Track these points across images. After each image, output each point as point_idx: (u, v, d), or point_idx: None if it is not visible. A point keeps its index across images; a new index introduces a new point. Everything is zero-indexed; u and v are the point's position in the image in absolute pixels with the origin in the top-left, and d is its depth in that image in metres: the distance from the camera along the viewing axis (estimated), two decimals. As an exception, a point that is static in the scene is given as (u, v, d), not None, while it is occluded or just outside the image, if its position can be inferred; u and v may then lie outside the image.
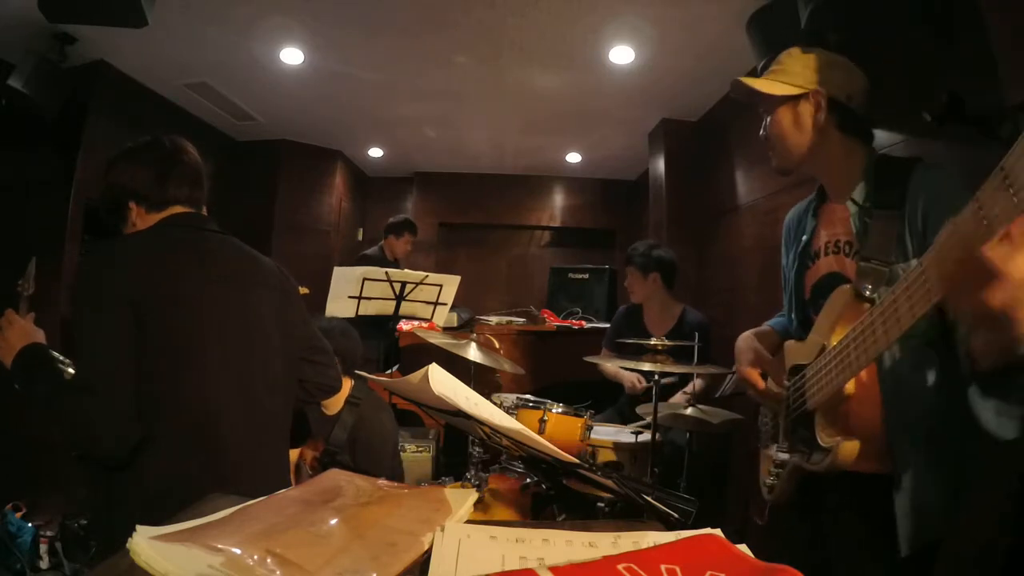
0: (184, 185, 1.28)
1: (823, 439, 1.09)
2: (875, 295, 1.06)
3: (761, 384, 1.29)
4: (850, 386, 1.06)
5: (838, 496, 1.15)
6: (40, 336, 1.17)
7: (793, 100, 1.23)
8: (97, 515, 1.21)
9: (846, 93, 1.20)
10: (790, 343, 1.30)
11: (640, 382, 2.70)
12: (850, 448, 1.06)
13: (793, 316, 1.34)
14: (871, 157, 1.23)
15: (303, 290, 2.45)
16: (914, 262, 0.99)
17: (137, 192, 1.24)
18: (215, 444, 1.14)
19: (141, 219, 1.26)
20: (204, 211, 1.34)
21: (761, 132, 1.30)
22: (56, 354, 1.18)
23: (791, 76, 1.24)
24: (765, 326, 1.47)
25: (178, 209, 1.27)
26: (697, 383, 2.61)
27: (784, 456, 1.23)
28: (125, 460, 1.08)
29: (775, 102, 1.25)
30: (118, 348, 1.08)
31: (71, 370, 1.17)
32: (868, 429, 1.09)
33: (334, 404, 1.90)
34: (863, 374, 1.10)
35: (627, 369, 2.73)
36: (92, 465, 1.12)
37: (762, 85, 1.26)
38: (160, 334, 1.11)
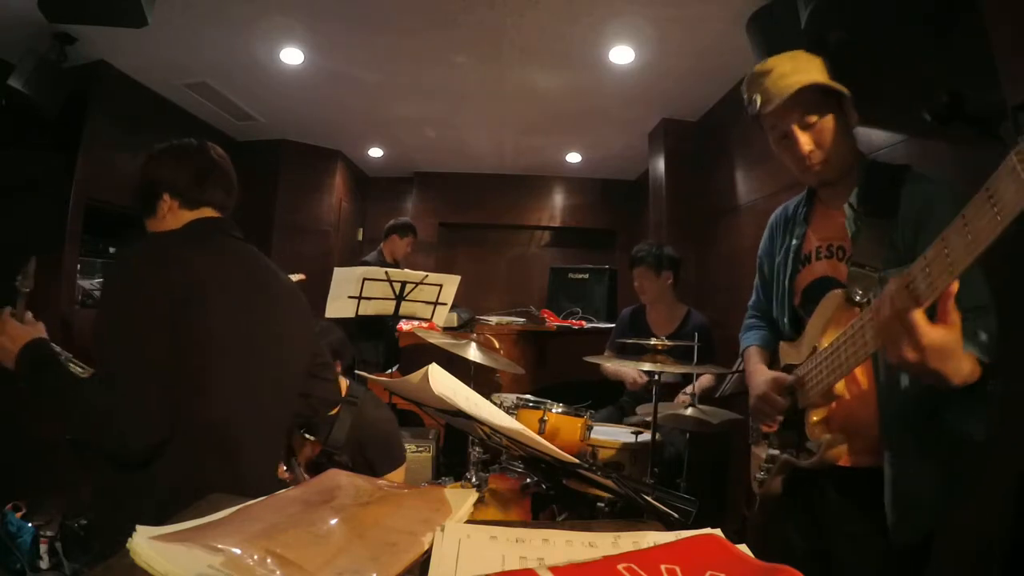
0: (220, 189, 1.30)
1: (812, 437, 1.11)
2: (865, 300, 1.07)
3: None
4: (840, 386, 1.08)
5: (834, 490, 1.17)
6: (40, 330, 1.16)
7: (842, 102, 1.17)
8: (104, 515, 1.21)
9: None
10: (784, 344, 1.31)
11: (641, 377, 2.70)
12: (838, 447, 1.09)
13: (785, 319, 1.33)
14: (864, 161, 1.23)
15: (299, 276, 2.46)
16: (896, 271, 1.03)
17: (176, 186, 1.25)
18: (227, 450, 1.14)
19: (172, 214, 1.26)
20: None
21: (800, 148, 1.17)
22: (58, 348, 1.17)
23: (827, 78, 1.16)
24: (754, 349, 1.42)
25: (208, 212, 1.28)
26: (699, 382, 2.61)
27: (775, 452, 1.24)
28: (144, 459, 1.08)
29: (828, 106, 1.16)
30: (152, 345, 1.07)
31: (76, 367, 1.16)
32: (860, 426, 1.11)
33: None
34: (858, 373, 1.12)
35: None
36: (102, 465, 1.12)
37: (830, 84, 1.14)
38: (186, 336, 1.11)
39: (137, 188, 1.28)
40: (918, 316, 0.80)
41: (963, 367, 0.87)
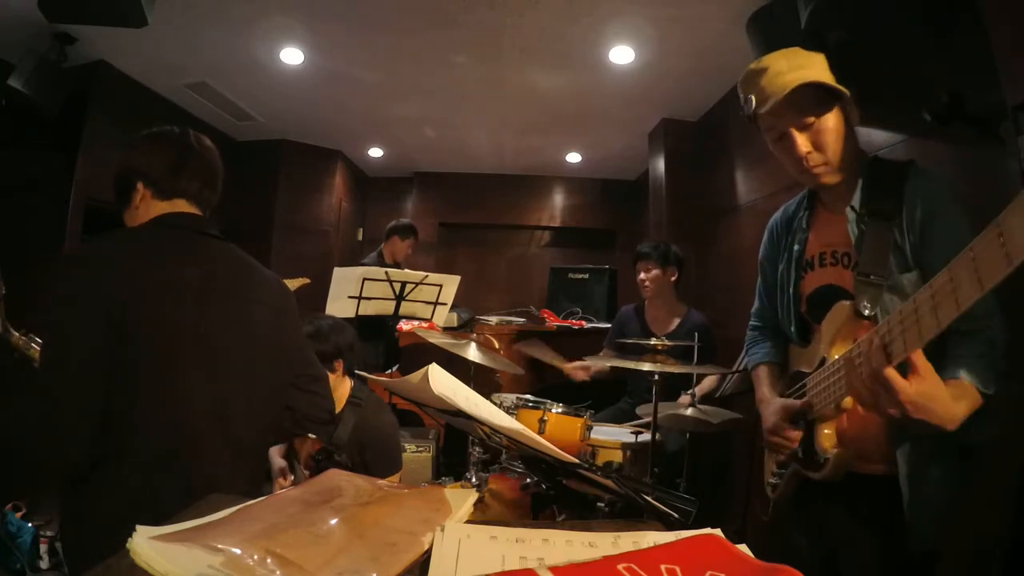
0: (196, 180, 1.22)
1: (821, 448, 1.10)
2: (873, 312, 1.05)
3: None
4: (848, 401, 1.05)
5: (842, 495, 1.15)
6: None
7: (842, 101, 1.13)
8: (65, 529, 1.13)
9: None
10: (794, 349, 1.29)
11: (584, 371, 2.92)
12: (845, 460, 1.07)
13: (792, 327, 1.30)
14: (865, 159, 1.19)
15: (302, 281, 2.43)
16: (902, 278, 1.05)
17: (149, 174, 1.18)
18: (188, 466, 1.06)
19: (145, 204, 1.19)
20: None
21: (798, 150, 1.13)
22: (27, 338, 1.14)
23: (827, 76, 1.11)
24: (763, 371, 1.38)
25: (182, 205, 1.20)
26: (702, 384, 2.61)
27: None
28: (83, 474, 1.01)
29: (827, 105, 1.12)
30: (90, 354, 0.99)
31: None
32: (870, 434, 1.09)
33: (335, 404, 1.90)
34: None
35: (625, 369, 2.72)
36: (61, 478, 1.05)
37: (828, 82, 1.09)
38: (142, 344, 1.03)
39: (114, 178, 1.21)
40: (891, 374, 0.84)
41: (955, 411, 0.89)
